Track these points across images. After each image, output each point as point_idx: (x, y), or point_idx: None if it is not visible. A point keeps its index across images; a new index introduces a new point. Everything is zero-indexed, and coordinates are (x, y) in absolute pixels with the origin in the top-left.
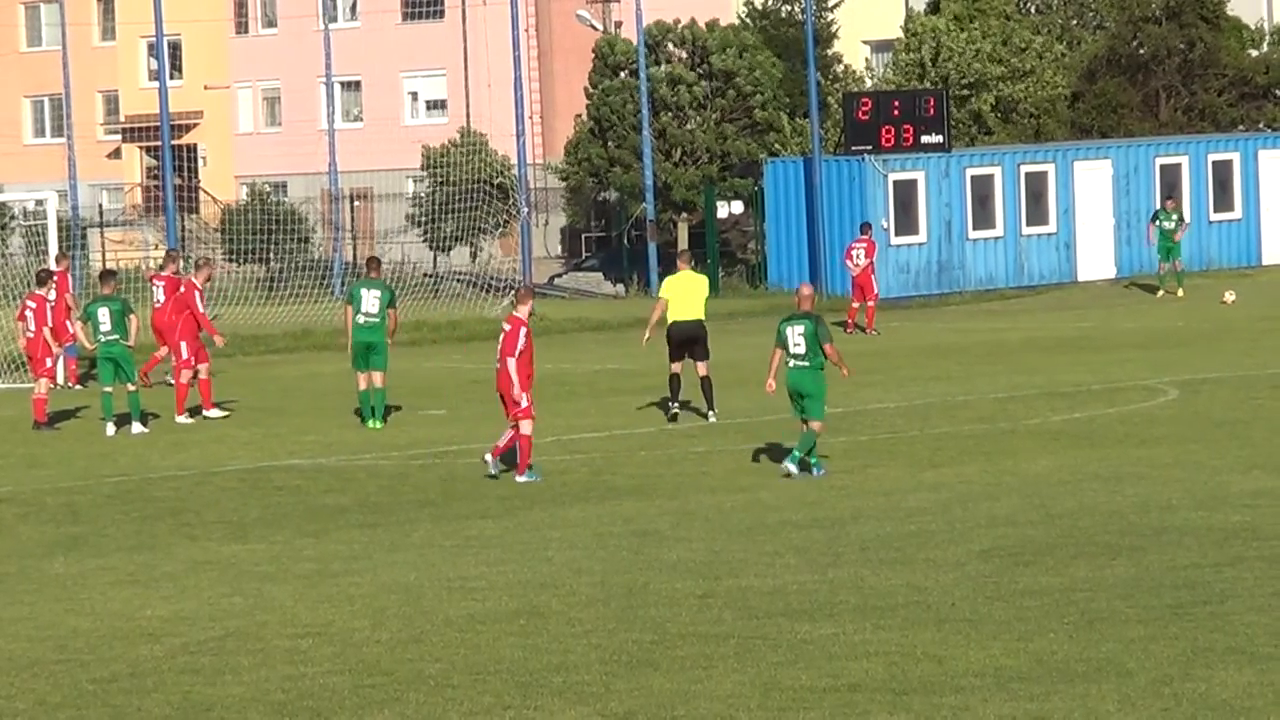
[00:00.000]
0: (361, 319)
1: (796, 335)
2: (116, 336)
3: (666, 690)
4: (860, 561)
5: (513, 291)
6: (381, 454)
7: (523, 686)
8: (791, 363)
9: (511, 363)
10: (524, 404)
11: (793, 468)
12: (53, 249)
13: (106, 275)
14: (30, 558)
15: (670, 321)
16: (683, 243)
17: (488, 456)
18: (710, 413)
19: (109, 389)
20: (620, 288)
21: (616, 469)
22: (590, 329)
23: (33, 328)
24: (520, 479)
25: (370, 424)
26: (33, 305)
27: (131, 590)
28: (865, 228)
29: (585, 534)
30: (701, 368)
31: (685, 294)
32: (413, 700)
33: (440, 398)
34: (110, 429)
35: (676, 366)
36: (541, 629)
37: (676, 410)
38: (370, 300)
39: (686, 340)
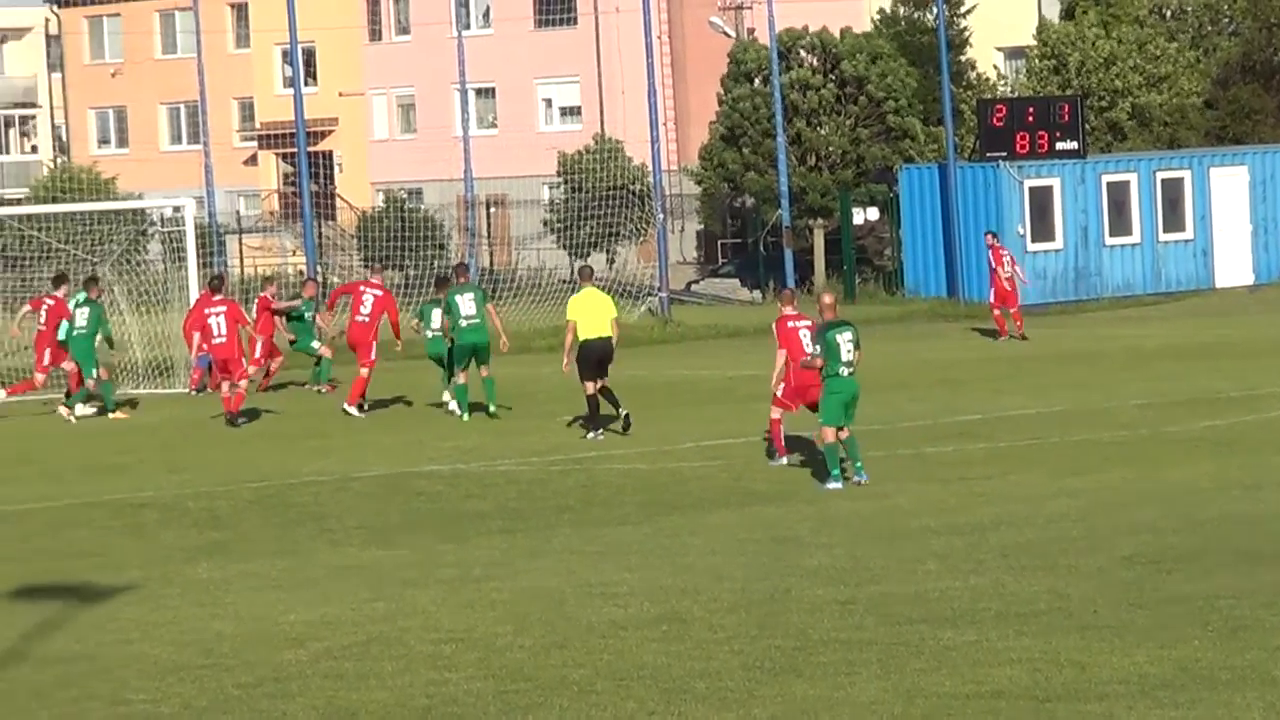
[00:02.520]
0: (464, 322)
1: (847, 342)
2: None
3: (809, 697)
4: (1002, 568)
5: (779, 292)
6: (521, 460)
7: (666, 693)
8: (845, 370)
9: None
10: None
11: (859, 477)
12: (191, 256)
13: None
14: (173, 563)
15: (582, 341)
16: (819, 248)
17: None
18: (622, 410)
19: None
20: (757, 293)
21: (756, 474)
22: (727, 335)
23: (224, 332)
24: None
25: (491, 409)
26: (221, 310)
27: (274, 595)
28: (994, 235)
29: (726, 540)
30: (602, 383)
31: (593, 312)
32: (556, 706)
33: (579, 405)
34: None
35: (591, 387)
36: (684, 635)
37: (599, 434)
38: (467, 304)
39: (603, 360)
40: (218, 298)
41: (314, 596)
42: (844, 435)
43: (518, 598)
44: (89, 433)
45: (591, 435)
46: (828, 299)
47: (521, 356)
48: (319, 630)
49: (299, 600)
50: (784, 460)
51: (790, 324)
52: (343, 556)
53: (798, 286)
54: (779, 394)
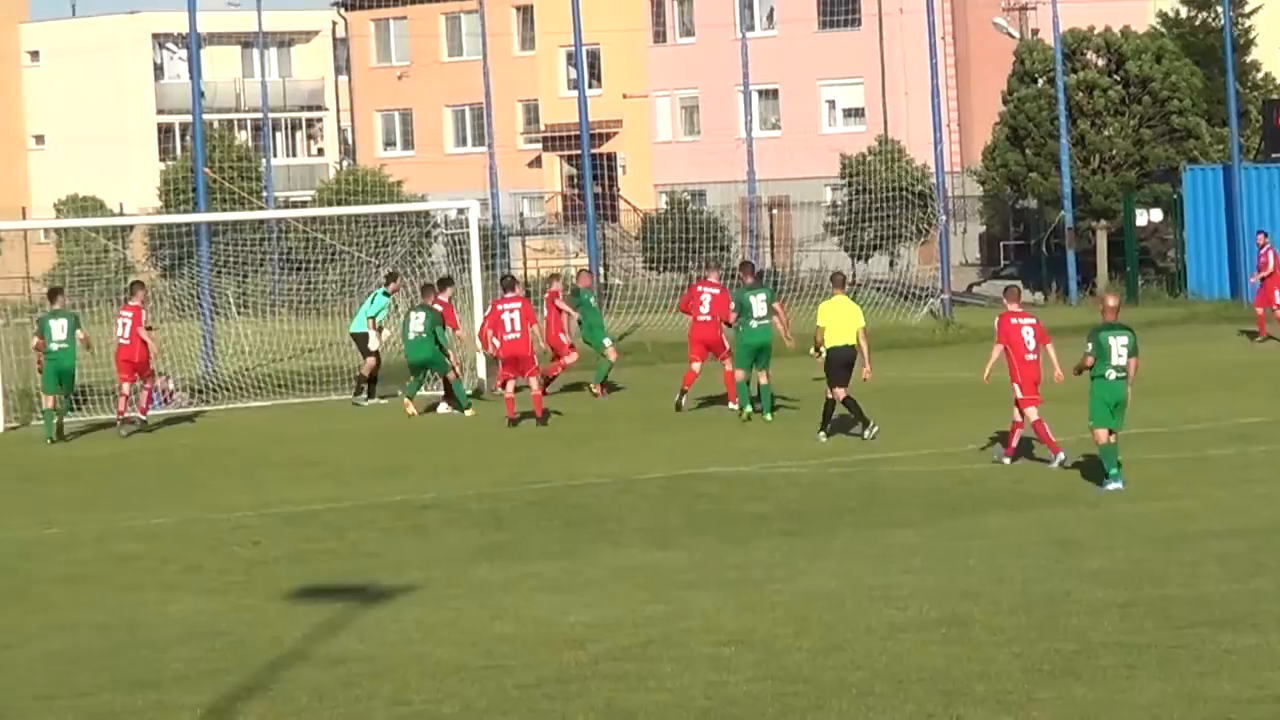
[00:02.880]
0: (754, 323)
1: (1120, 346)
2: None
3: (1088, 700)
4: None
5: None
6: (801, 462)
7: (945, 695)
8: (1113, 374)
9: (1050, 348)
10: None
11: (1119, 484)
12: (474, 258)
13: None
14: (455, 563)
15: (830, 347)
16: (1101, 250)
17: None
18: (873, 427)
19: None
20: (1039, 295)
21: (1037, 477)
22: None
23: (518, 327)
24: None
25: (766, 417)
26: (515, 307)
27: (555, 596)
28: (1264, 235)
29: (1006, 542)
30: (843, 392)
31: (842, 320)
32: (835, 708)
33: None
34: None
35: (841, 392)
36: (963, 637)
37: (826, 437)
38: (759, 304)
39: (848, 366)
40: (510, 294)
41: (595, 598)
42: (1112, 439)
43: (797, 600)
44: (372, 434)
45: (821, 436)
46: (1111, 301)
47: (803, 359)
48: (599, 632)
49: (580, 602)
50: (1060, 457)
51: (1014, 320)
52: (624, 558)
53: (1080, 289)
54: (1020, 394)
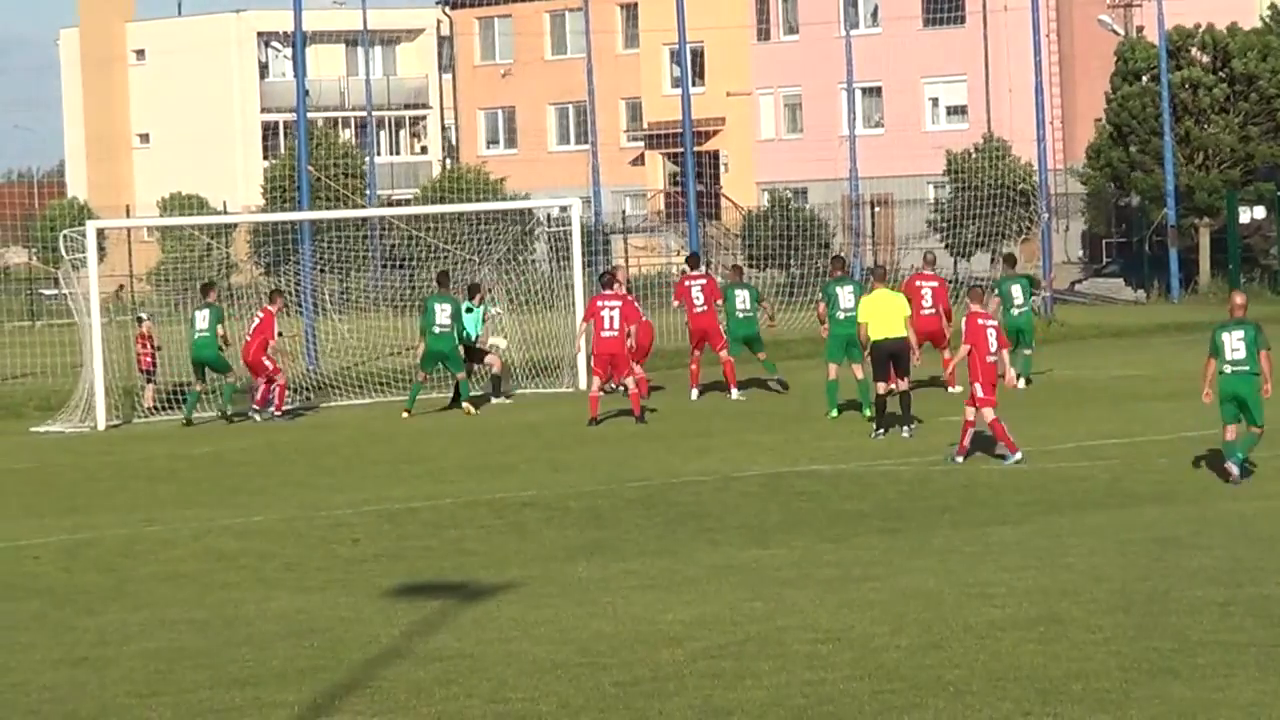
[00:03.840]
0: (841, 314)
1: (1235, 341)
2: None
3: (1187, 699)
4: None
5: (970, 290)
6: (901, 459)
7: (1042, 693)
8: (1229, 369)
9: (1005, 353)
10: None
11: (1235, 469)
12: (576, 256)
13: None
14: (554, 561)
15: (875, 341)
16: (1204, 248)
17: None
18: (906, 428)
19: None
20: (1141, 293)
21: (1136, 475)
22: (1110, 335)
23: (615, 326)
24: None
25: (867, 413)
26: (615, 305)
27: (653, 594)
28: None
29: (1105, 541)
30: (902, 384)
31: (885, 313)
32: (931, 706)
33: (959, 405)
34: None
35: (882, 387)
36: (1061, 636)
37: (882, 434)
38: (846, 296)
39: (895, 357)
40: (610, 291)
41: (693, 596)
42: (1255, 432)
43: (895, 598)
44: (474, 432)
45: (876, 435)
46: (1239, 299)
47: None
48: (697, 630)
49: (677, 600)
50: (1017, 456)
51: (979, 321)
52: (722, 556)
53: (1182, 287)
54: (980, 394)
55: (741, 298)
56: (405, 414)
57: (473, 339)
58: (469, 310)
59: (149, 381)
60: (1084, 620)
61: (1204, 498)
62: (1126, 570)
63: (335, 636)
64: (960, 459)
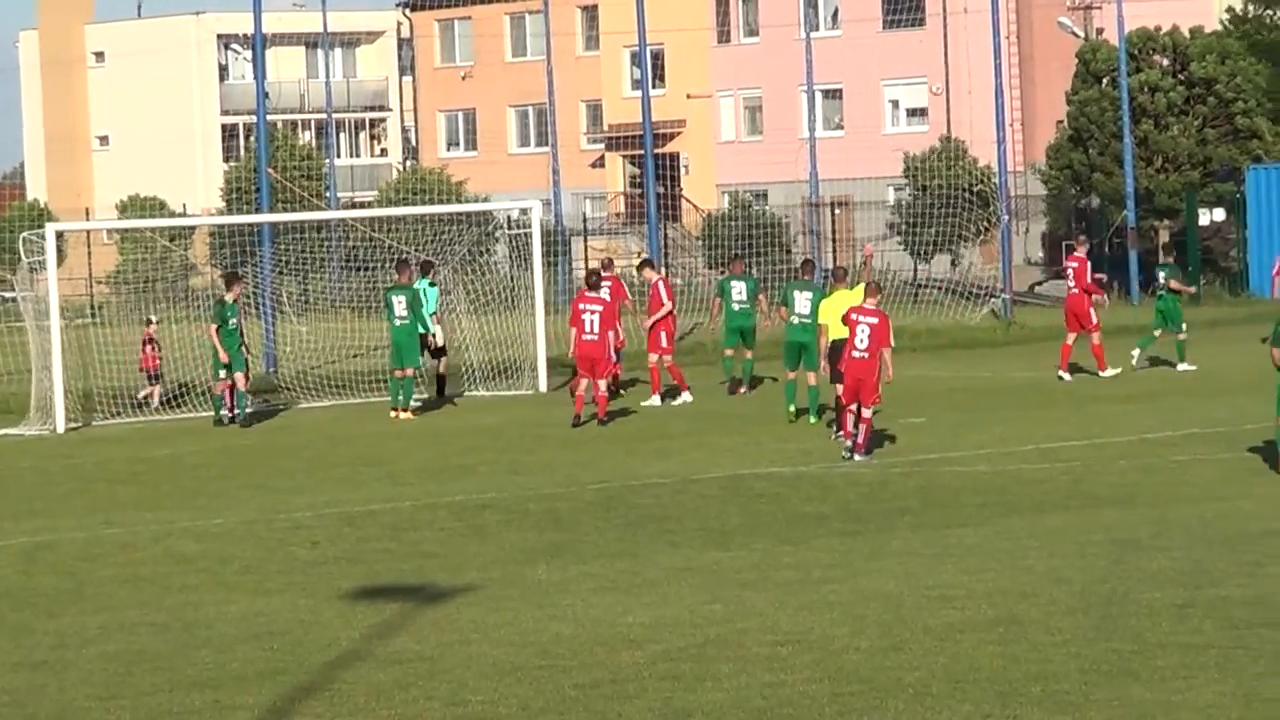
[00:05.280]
0: (796, 320)
1: None
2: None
3: (1146, 701)
4: None
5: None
6: (861, 462)
7: (1001, 695)
8: None
9: (887, 353)
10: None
11: None
12: (536, 258)
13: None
14: (514, 564)
15: (833, 341)
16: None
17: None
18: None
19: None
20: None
21: (1096, 477)
22: None
23: (596, 330)
24: (859, 459)
25: (813, 420)
26: (596, 309)
27: (612, 597)
28: None
29: (1065, 543)
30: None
31: (842, 314)
32: (891, 708)
33: (920, 406)
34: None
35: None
36: (1020, 638)
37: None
38: (803, 302)
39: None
40: (593, 294)
41: (652, 598)
42: None
43: (855, 600)
44: (434, 435)
45: (836, 436)
46: None
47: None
48: (657, 632)
49: (637, 602)
50: (863, 457)
51: (854, 315)
52: (682, 558)
53: (1143, 289)
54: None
55: (738, 289)
56: (395, 414)
57: (432, 314)
58: (431, 285)
59: (153, 383)
60: (1043, 622)
61: (1163, 500)
62: (1086, 572)
63: (294, 639)
64: (859, 456)
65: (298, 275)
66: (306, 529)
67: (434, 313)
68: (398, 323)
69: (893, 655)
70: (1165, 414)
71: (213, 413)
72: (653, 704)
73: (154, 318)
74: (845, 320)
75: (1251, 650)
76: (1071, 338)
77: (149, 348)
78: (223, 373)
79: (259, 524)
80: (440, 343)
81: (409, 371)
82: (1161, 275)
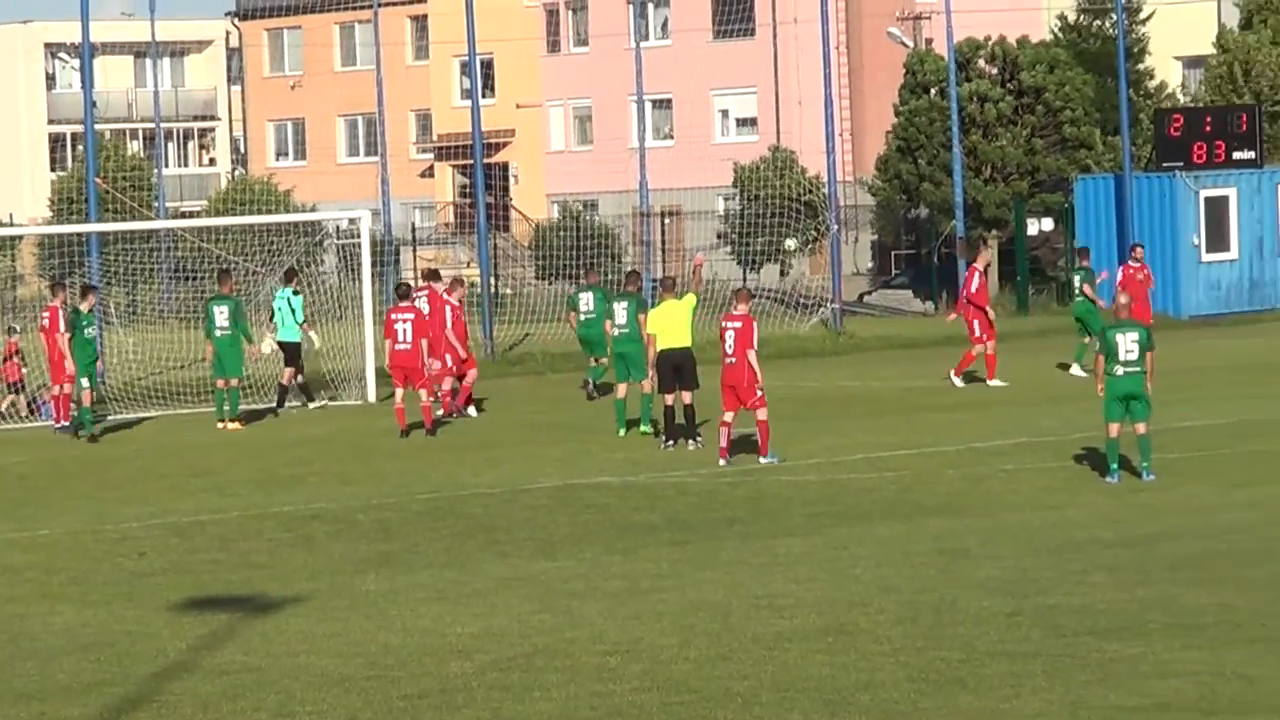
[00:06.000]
0: (616, 331)
1: (1130, 343)
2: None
3: (974, 709)
4: (1169, 580)
5: (734, 292)
6: (690, 471)
7: (830, 705)
8: (1121, 370)
9: (752, 355)
10: (760, 392)
11: (1152, 476)
12: (365, 268)
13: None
14: (342, 574)
15: (660, 351)
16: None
17: (722, 462)
18: (692, 441)
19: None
20: (930, 305)
21: (924, 486)
22: (899, 346)
23: (408, 339)
24: (764, 460)
25: (643, 428)
26: (408, 317)
27: (441, 607)
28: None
29: (893, 551)
30: (686, 396)
31: (670, 324)
32: (720, 718)
33: (749, 416)
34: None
35: (669, 399)
36: (849, 647)
37: (672, 445)
38: (620, 312)
39: (679, 368)
40: (405, 304)
41: (481, 608)
42: (1140, 431)
43: (684, 610)
44: (262, 445)
45: (665, 446)
46: (1123, 299)
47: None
48: (485, 642)
49: (466, 612)
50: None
51: (722, 322)
52: (510, 568)
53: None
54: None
55: (586, 300)
56: (222, 424)
57: (301, 323)
58: (296, 294)
59: (14, 393)
60: (872, 631)
61: (991, 509)
62: (914, 581)
63: (122, 650)
64: (764, 459)
65: (126, 285)
66: (134, 540)
67: (303, 321)
68: (218, 333)
69: (721, 665)
70: (994, 423)
71: (52, 423)
72: (481, 714)
73: (16, 327)
74: (721, 331)
75: (1078, 658)
76: (977, 348)
77: (17, 358)
78: (84, 381)
79: (86, 535)
80: (304, 348)
81: (233, 382)
82: (1077, 279)
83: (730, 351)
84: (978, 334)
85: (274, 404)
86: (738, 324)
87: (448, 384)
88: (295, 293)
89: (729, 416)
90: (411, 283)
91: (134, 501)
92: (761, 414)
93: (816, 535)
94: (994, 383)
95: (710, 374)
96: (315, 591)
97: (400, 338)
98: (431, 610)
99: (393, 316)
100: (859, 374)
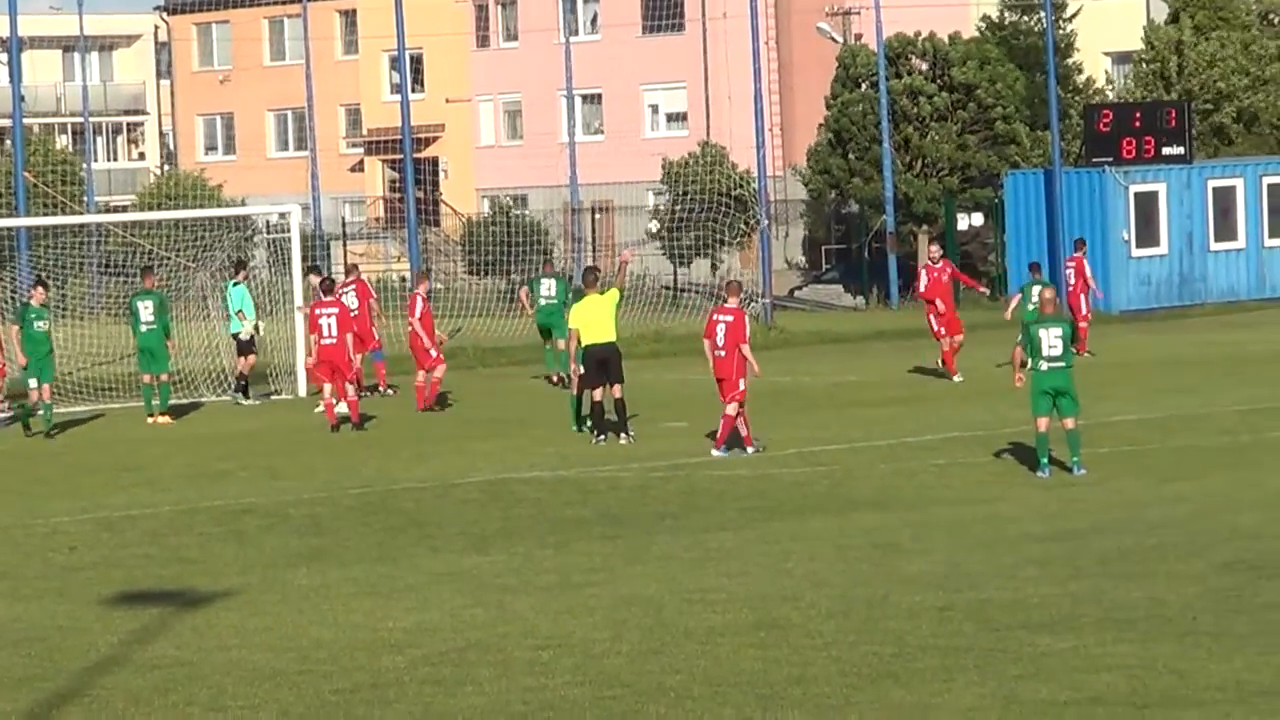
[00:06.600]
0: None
1: (1053, 338)
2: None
3: (907, 703)
4: (1101, 574)
5: (726, 285)
6: (622, 466)
7: (762, 699)
8: (1046, 365)
9: (745, 348)
10: (743, 386)
11: (1083, 470)
12: (295, 262)
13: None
14: (274, 569)
15: (585, 346)
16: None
17: (714, 451)
18: (624, 435)
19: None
20: (860, 300)
21: (856, 481)
22: (830, 341)
23: (334, 333)
24: (715, 454)
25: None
26: (333, 312)
27: (373, 601)
28: (1079, 244)
29: (825, 546)
30: (616, 390)
31: (593, 318)
32: (652, 712)
33: (681, 410)
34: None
35: (599, 394)
36: (781, 641)
37: (604, 439)
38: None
39: (605, 363)
40: (329, 298)
41: (413, 603)
42: (1069, 426)
43: (616, 604)
44: (193, 440)
45: (597, 441)
46: (1048, 294)
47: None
48: (417, 637)
49: (398, 606)
50: (751, 450)
51: (715, 316)
52: (442, 563)
53: (902, 293)
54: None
55: (547, 286)
56: (152, 419)
57: (239, 311)
58: (235, 285)
59: None
60: (804, 625)
61: (923, 503)
62: (846, 575)
63: (52, 645)
64: (715, 451)
65: (55, 280)
66: (64, 534)
67: (240, 310)
68: (144, 328)
69: (653, 659)
70: (925, 417)
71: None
72: (413, 709)
73: None
74: (709, 325)
75: (1010, 653)
76: (946, 342)
77: None
78: (33, 381)
79: (15, 529)
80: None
81: (162, 376)
82: (1036, 290)
83: (721, 344)
84: (935, 328)
85: (235, 395)
86: (730, 317)
87: (422, 377)
88: (235, 284)
89: (732, 409)
90: (335, 279)
91: (64, 496)
92: (732, 409)
93: (749, 529)
94: (957, 378)
95: (652, 368)
96: (246, 586)
97: (326, 332)
98: (363, 605)
99: (317, 311)
100: (790, 369)
